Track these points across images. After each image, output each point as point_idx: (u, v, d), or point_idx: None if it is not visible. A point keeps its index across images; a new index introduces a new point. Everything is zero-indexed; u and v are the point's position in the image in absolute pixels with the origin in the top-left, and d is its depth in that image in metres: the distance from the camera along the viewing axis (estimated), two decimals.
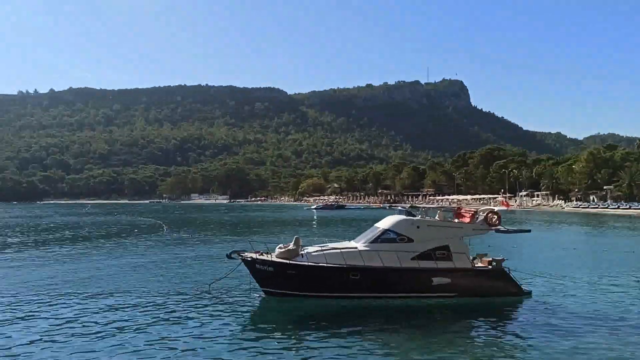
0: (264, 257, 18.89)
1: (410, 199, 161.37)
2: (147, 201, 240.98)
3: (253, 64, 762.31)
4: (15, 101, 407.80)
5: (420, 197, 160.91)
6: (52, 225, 69.02)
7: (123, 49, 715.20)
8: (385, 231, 19.19)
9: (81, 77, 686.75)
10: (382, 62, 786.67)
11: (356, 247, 18.94)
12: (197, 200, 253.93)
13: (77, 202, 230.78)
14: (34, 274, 24.84)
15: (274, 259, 18.65)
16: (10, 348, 13.01)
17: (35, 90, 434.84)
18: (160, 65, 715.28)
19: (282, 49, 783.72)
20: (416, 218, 19.68)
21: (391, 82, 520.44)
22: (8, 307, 17.65)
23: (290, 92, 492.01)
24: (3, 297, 19.22)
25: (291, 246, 19.06)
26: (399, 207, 24.16)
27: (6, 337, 13.91)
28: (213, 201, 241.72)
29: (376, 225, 20.07)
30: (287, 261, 18.41)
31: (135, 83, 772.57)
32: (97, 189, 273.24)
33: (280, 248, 19.18)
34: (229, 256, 19.34)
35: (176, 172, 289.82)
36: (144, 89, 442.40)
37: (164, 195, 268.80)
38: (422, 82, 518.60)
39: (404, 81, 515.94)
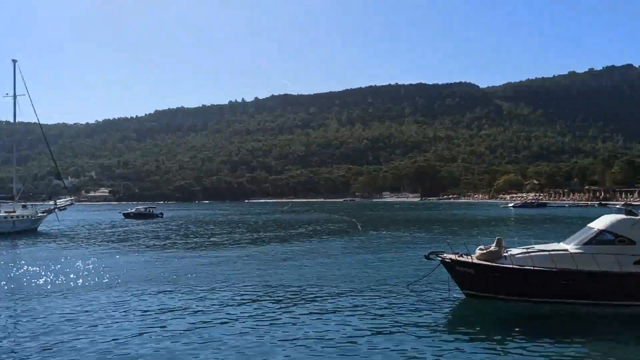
0: (464, 258, 18.16)
1: (623, 195, 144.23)
2: (341, 199, 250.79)
3: (443, 60, 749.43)
4: (226, 110, 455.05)
5: (636, 194, 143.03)
6: (257, 221, 75.31)
7: (315, 57, 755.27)
8: (602, 232, 17.21)
9: (282, 85, 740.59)
10: (586, 45, 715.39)
11: (567, 250, 17.30)
12: (388, 198, 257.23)
13: (279, 200, 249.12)
14: (237, 266, 27.07)
15: (475, 260, 17.84)
16: (221, 341, 13.97)
17: (243, 99, 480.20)
18: (352, 69, 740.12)
19: (471, 42, 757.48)
20: (638, 217, 17.28)
21: (598, 67, 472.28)
22: (216, 299, 19.23)
23: (482, 85, 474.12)
24: (213, 289, 21.12)
25: (493, 247, 18.05)
26: (617, 206, 21.47)
27: (213, 326, 15.13)
28: (404, 199, 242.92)
29: (590, 225, 18.10)
30: (490, 263, 17.48)
31: (329, 87, 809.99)
32: (296, 188, 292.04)
33: (480, 249, 18.29)
34: (427, 257, 19.00)
35: (368, 171, 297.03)
36: (337, 92, 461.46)
37: (356, 193, 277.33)
38: (636, 65, 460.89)
39: (613, 65, 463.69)
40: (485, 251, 18.02)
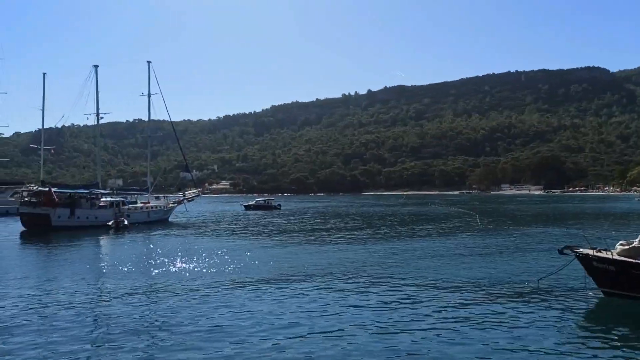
0: (603, 254, 16.86)
1: None
2: (457, 192, 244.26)
3: (567, 44, 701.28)
4: (339, 103, 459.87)
5: None
6: (375, 214, 75.46)
7: (429, 47, 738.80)
8: None
9: (395, 77, 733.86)
10: None
11: None
12: (508, 190, 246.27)
13: (393, 193, 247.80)
14: (356, 254, 27.23)
15: (616, 257, 16.50)
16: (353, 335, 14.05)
17: (356, 92, 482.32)
18: (467, 58, 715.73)
19: (598, 23, 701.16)
20: None
21: None
22: (322, 289, 19.42)
23: (613, 69, 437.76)
24: (333, 278, 21.37)
25: (636, 243, 16.58)
26: None
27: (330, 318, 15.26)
28: (526, 192, 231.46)
29: None
30: (633, 260, 16.08)
31: (443, 77, 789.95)
32: (409, 180, 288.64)
33: (622, 245, 16.87)
34: (561, 252, 17.87)
35: (485, 163, 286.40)
36: (452, 82, 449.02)
37: (473, 185, 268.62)
38: None
39: None
40: (627, 247, 16.62)
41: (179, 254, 29.51)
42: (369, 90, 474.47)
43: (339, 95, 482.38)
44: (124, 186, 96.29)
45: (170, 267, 24.47)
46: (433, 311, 15.48)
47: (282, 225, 54.50)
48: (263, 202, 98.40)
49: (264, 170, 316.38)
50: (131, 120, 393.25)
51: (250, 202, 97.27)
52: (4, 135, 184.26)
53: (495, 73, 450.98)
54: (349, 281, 20.27)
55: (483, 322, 14.21)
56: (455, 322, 14.25)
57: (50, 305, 16.59)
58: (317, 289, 18.91)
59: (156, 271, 23.58)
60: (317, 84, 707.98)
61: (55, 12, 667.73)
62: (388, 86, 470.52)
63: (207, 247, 33.40)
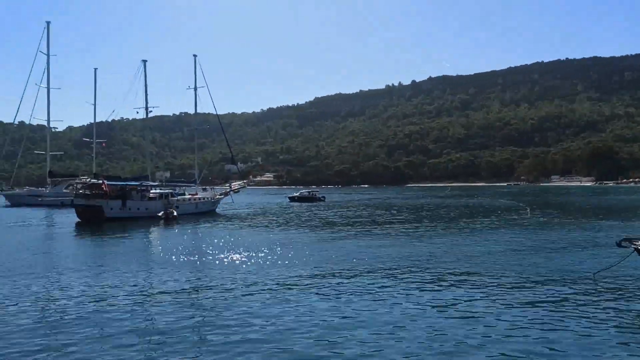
0: None
1: None
2: (504, 183, 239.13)
3: (620, 29, 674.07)
4: (383, 94, 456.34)
5: None
6: (423, 205, 74.66)
7: (474, 36, 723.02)
8: None
9: (440, 67, 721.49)
10: None
11: None
12: (558, 182, 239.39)
13: (438, 185, 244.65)
14: (405, 248, 26.92)
15: None
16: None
17: (400, 83, 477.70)
18: (514, 45, 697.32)
19: None
20: None
21: None
22: (372, 284, 19.20)
23: None
24: (371, 273, 21.17)
25: None
26: None
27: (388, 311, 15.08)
28: (577, 183, 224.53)
29: None
30: None
31: (491, 66, 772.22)
32: (455, 172, 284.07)
33: None
34: (619, 244, 17.21)
35: (534, 154, 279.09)
36: (499, 71, 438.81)
37: (522, 177, 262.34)
38: None
39: None
40: None
41: (227, 245, 29.88)
42: (413, 81, 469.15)
43: (382, 86, 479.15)
44: (171, 178, 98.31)
45: (219, 258, 24.74)
46: (490, 308, 15.12)
47: (327, 217, 54.52)
48: (307, 193, 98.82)
49: (307, 163, 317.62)
50: (177, 113, 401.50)
51: (295, 194, 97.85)
52: (57, 130, 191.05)
53: (544, 61, 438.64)
54: (403, 277, 19.86)
55: (542, 318, 13.77)
56: (513, 318, 13.87)
57: (104, 296, 16.95)
58: (374, 284, 18.57)
59: (205, 262, 23.93)
60: (360, 76, 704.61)
61: (105, 8, 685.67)
62: (432, 76, 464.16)
63: (254, 238, 33.73)
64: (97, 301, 16.21)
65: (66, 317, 14.24)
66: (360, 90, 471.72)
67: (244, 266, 22.45)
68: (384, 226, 42.15)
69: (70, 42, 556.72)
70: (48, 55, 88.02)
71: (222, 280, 19.21)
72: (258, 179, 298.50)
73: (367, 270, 20.99)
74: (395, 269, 21.33)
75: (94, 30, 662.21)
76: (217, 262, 23.80)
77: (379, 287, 17.68)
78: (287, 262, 23.42)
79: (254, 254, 25.81)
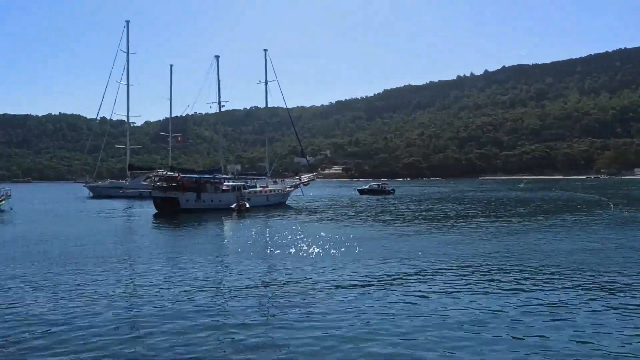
0: None
1: None
2: (583, 176, 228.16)
3: None
4: (454, 85, 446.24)
5: None
6: (498, 199, 72.32)
7: (550, 23, 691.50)
8: None
9: (514, 55, 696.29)
10: None
11: None
12: None
13: (511, 177, 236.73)
14: (484, 245, 25.96)
15: None
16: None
17: (471, 73, 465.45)
18: (595, 32, 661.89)
19: None
20: None
21: None
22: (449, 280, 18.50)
23: None
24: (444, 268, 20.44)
25: None
26: None
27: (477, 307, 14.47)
28: None
29: None
30: None
31: (567, 54, 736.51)
32: (529, 164, 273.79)
33: None
34: None
35: (616, 145, 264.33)
36: (578, 59, 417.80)
37: (602, 170, 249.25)
38: None
39: None
40: None
41: (299, 237, 29.93)
42: (486, 71, 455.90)
43: (453, 77, 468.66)
44: (243, 171, 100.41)
45: (292, 252, 24.73)
46: (576, 310, 14.27)
47: (398, 210, 53.77)
48: (377, 186, 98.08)
49: (375, 155, 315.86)
50: (248, 107, 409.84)
51: (364, 187, 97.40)
52: (135, 125, 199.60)
53: (627, 48, 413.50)
54: (481, 274, 19.16)
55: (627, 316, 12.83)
56: (603, 322, 13.02)
57: (180, 287, 17.31)
58: (451, 281, 18.03)
59: (277, 254, 24.04)
60: (430, 66, 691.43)
61: (180, 5, 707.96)
62: (506, 65, 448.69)
63: (324, 231, 33.66)
64: (172, 291, 16.56)
65: (145, 308, 14.63)
66: (430, 82, 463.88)
67: (316, 260, 22.32)
68: (458, 220, 41.03)
69: (147, 39, 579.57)
70: (127, 53, 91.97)
71: (295, 275, 19.13)
72: (326, 171, 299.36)
73: (443, 267, 20.37)
74: (472, 265, 20.59)
75: (169, 27, 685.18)
76: (290, 255, 23.83)
77: (456, 285, 17.06)
78: (359, 256, 23.10)
79: (325, 247, 25.71)
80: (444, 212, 50.75)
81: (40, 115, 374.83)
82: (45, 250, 25.97)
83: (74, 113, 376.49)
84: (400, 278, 18.20)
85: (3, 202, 53.61)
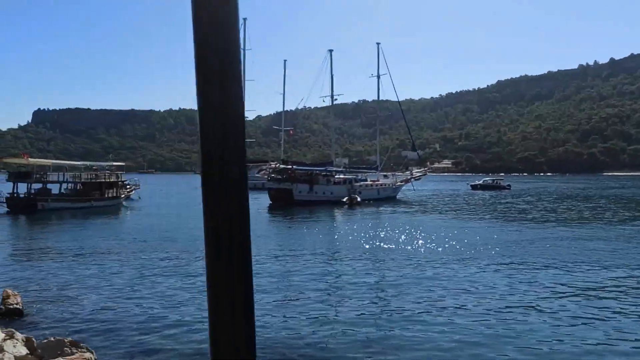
0: None
1: None
2: None
3: None
4: (575, 75, 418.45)
5: None
6: (631, 197, 66.74)
7: None
8: None
9: None
10: None
11: None
12: None
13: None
14: (603, 247, 23.82)
15: None
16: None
17: (595, 61, 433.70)
18: None
19: None
20: None
21: None
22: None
23: None
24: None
25: None
26: None
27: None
28: None
29: None
30: None
31: None
32: None
33: None
34: None
35: None
36: None
37: None
38: None
39: None
40: None
41: (413, 233, 29.32)
42: (612, 59, 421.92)
43: (574, 66, 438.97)
44: (353, 164, 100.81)
45: (405, 247, 24.32)
46: None
47: (517, 207, 51.08)
48: (491, 182, 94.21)
49: (487, 149, 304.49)
50: (355, 101, 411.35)
51: (477, 182, 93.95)
52: (248, 119, 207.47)
53: None
54: (609, 278, 17.67)
55: None
56: None
57: (293, 276, 17.54)
58: (588, 286, 16.75)
59: (390, 249, 23.79)
60: (549, 55, 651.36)
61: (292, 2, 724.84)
62: (635, 53, 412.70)
63: (438, 227, 32.75)
64: (287, 280, 16.72)
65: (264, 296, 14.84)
66: (549, 72, 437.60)
67: (434, 257, 21.66)
68: (585, 220, 38.15)
69: (262, 36, 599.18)
70: (244, 50, 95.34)
71: (410, 271, 18.70)
72: (436, 165, 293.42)
73: (584, 269, 18.95)
74: (601, 268, 18.97)
75: (283, 23, 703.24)
76: (403, 251, 23.37)
77: (590, 289, 15.77)
78: (475, 254, 22.12)
79: (441, 244, 24.89)
80: (569, 210, 47.32)
81: (162, 110, 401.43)
82: (173, 237, 27.53)
83: (192, 108, 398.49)
84: (523, 278, 17.11)
85: (133, 192, 57.69)
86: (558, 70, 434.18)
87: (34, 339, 9.30)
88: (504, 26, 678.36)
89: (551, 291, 15.25)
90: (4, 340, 8.66)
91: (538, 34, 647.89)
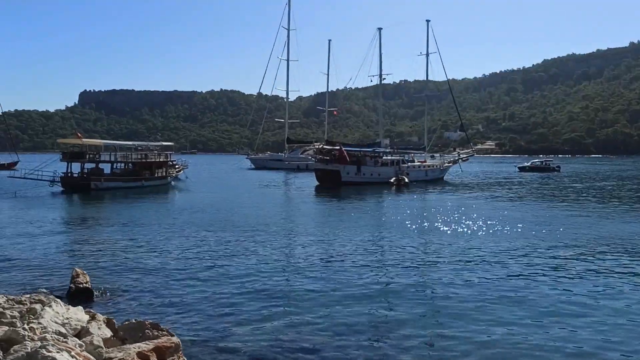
0: None
1: None
2: None
3: None
4: (626, 53, 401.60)
5: None
6: None
7: None
8: None
9: None
10: None
11: None
12: None
13: None
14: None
15: None
16: None
17: None
18: None
19: None
20: None
21: None
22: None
23: None
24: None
25: None
26: None
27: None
28: None
29: None
30: None
31: None
32: None
33: None
34: None
35: None
36: None
37: None
38: None
39: None
40: None
41: (463, 215, 28.42)
42: None
43: (625, 43, 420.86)
44: (400, 145, 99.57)
45: (455, 229, 23.62)
46: None
47: (569, 189, 49.30)
48: (540, 163, 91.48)
49: (532, 130, 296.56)
50: (397, 81, 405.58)
51: (525, 164, 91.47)
52: (290, 100, 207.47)
53: None
54: None
55: None
56: None
57: (340, 260, 17.13)
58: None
59: (440, 231, 23.24)
60: (598, 33, 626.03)
61: None
62: None
63: (488, 209, 31.89)
64: (329, 265, 16.29)
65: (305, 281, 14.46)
66: (598, 50, 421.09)
67: (484, 240, 20.72)
68: None
69: (307, 15, 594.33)
70: (288, 29, 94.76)
71: (458, 255, 18.02)
72: (479, 146, 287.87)
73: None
74: None
75: (328, 2, 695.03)
76: (453, 233, 22.61)
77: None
78: (528, 238, 21.22)
79: (492, 227, 24.02)
80: (627, 193, 45.37)
81: (204, 91, 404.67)
82: (234, 218, 27.45)
83: (234, 89, 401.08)
84: (577, 265, 16.20)
85: (181, 172, 58.27)
86: (608, 48, 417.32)
87: (114, 320, 9.10)
88: (550, 3, 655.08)
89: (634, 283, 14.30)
90: (89, 322, 8.46)
91: (586, 11, 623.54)
